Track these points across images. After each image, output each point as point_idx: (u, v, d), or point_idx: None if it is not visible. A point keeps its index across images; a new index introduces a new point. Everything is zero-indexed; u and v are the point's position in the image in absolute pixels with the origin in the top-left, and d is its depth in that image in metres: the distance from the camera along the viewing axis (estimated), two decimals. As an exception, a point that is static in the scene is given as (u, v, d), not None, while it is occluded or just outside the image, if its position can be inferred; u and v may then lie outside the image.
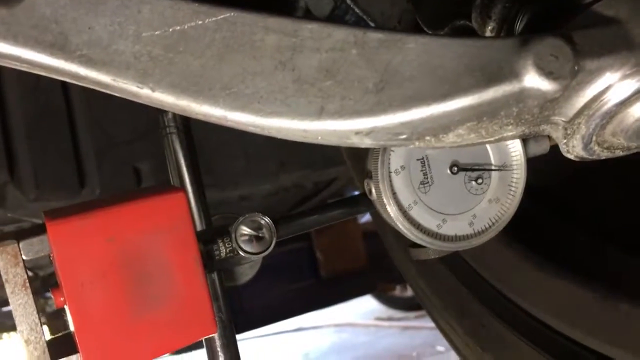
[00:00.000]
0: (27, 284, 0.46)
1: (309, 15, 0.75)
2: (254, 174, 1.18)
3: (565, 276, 0.62)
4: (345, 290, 1.99)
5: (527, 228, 0.68)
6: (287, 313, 1.90)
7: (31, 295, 0.46)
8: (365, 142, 0.39)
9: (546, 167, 0.57)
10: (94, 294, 0.46)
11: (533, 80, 0.36)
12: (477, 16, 0.46)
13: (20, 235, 0.47)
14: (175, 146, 0.56)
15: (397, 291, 3.09)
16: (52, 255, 0.46)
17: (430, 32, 0.56)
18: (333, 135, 0.39)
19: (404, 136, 0.39)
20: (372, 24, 0.67)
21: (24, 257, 0.46)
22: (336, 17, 0.72)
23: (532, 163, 0.53)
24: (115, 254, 0.46)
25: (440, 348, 2.45)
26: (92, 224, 0.46)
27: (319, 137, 0.39)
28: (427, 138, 0.39)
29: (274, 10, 0.78)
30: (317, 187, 1.29)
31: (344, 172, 1.23)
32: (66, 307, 0.46)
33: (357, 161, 0.93)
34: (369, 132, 0.38)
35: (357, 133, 0.38)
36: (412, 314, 3.03)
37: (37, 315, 0.46)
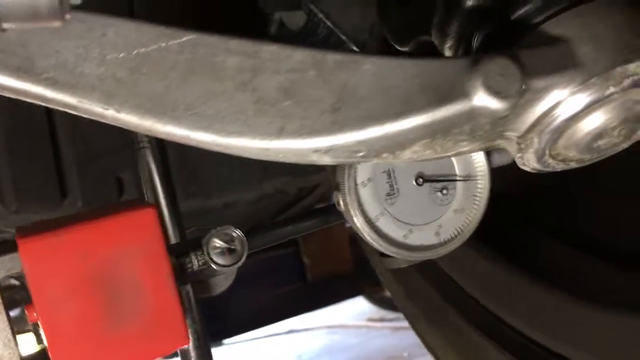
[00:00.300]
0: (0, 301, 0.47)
1: (281, 29, 0.77)
2: (238, 182, 1.19)
3: (534, 281, 0.64)
4: (332, 294, 2.00)
5: (496, 233, 0.69)
6: (274, 317, 1.90)
7: (4, 312, 0.47)
8: (324, 160, 0.40)
9: (511, 173, 0.58)
10: (66, 310, 0.47)
11: (482, 99, 0.38)
12: (436, 33, 0.48)
13: (-8, 252, 0.48)
14: (148, 160, 0.56)
15: (388, 292, 3.10)
16: (24, 272, 0.47)
17: (396, 47, 0.57)
18: (293, 153, 0.40)
19: (361, 154, 0.40)
20: (343, 37, 0.68)
21: (-4, 275, 0.46)
22: (309, 29, 0.73)
23: (499, 170, 0.54)
24: (87, 270, 0.47)
25: (430, 348, 2.46)
26: (63, 241, 0.47)
27: (280, 156, 0.40)
28: (384, 155, 0.40)
29: (247, 26, 0.79)
30: (301, 193, 1.30)
31: (327, 178, 1.24)
32: (39, 323, 0.47)
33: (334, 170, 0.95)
34: (327, 151, 0.39)
35: (316, 151, 0.40)
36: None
37: (10, 331, 0.47)
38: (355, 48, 0.67)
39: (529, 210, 0.73)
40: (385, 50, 0.65)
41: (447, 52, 0.48)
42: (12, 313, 0.50)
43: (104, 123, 0.42)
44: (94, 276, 0.48)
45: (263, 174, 1.19)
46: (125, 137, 1.01)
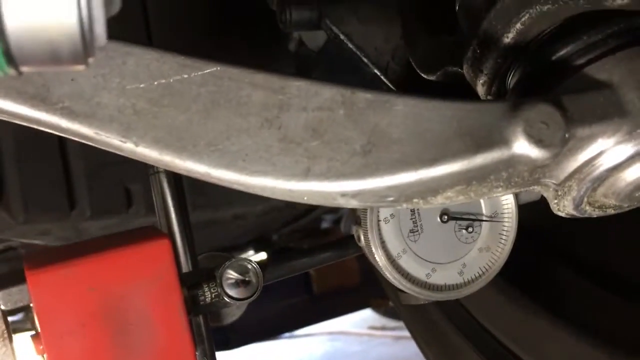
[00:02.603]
0: (5, 335, 0.45)
1: (301, 47, 0.75)
2: (247, 194, 1.17)
3: (562, 326, 0.62)
4: (338, 307, 1.98)
5: (520, 270, 0.67)
6: (280, 329, 1.88)
7: (9, 345, 0.45)
8: (352, 204, 0.38)
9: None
10: (73, 345, 0.45)
11: (523, 147, 0.36)
12: (469, 68, 0.45)
13: (-1, 283, 0.46)
14: (162, 186, 0.55)
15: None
16: (31, 304, 0.45)
17: (422, 74, 0.55)
18: (319, 196, 0.38)
19: (391, 198, 0.38)
20: (365, 60, 0.66)
21: (2, 308, 0.45)
22: (330, 51, 0.71)
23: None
24: (97, 303, 0.45)
25: None
26: (73, 273, 0.45)
27: (305, 197, 0.38)
28: (415, 200, 0.38)
29: (268, 43, 0.77)
30: (310, 206, 1.28)
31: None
32: (45, 357, 0.45)
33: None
34: (356, 195, 0.37)
35: (343, 195, 0.37)
36: (405, 324, 3.00)
37: (14, 363, 0.45)
38: (377, 71, 0.65)
39: (547, 243, 0.70)
40: (409, 76, 0.63)
41: (480, 88, 0.46)
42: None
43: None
44: (103, 309, 0.46)
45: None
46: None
